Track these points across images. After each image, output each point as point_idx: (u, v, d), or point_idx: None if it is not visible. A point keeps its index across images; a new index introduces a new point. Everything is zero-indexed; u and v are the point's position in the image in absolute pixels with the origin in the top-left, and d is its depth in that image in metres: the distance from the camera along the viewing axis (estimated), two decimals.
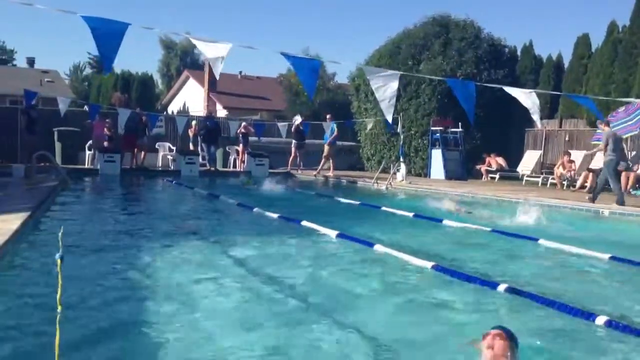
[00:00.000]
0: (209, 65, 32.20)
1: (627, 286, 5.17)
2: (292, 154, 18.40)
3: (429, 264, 5.20)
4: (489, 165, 17.57)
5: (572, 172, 14.93)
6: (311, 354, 3.19)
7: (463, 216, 9.34)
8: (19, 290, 4.16)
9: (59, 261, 4.34)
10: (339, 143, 18.92)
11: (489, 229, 7.54)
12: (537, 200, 11.33)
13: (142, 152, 16.84)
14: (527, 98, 9.42)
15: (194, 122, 19.19)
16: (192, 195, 12.13)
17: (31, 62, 39.42)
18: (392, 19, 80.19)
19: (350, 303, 4.14)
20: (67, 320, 3.30)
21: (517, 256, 6.31)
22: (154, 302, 4.00)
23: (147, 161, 17.23)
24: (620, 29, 18.20)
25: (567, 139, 18.43)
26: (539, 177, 16.09)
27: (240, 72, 38.15)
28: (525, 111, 9.68)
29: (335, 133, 17.59)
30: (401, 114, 17.36)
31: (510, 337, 2.91)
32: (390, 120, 10.42)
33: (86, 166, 16.70)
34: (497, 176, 17.10)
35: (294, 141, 18.36)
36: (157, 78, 49.66)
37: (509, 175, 17.14)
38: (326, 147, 17.73)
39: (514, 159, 17.95)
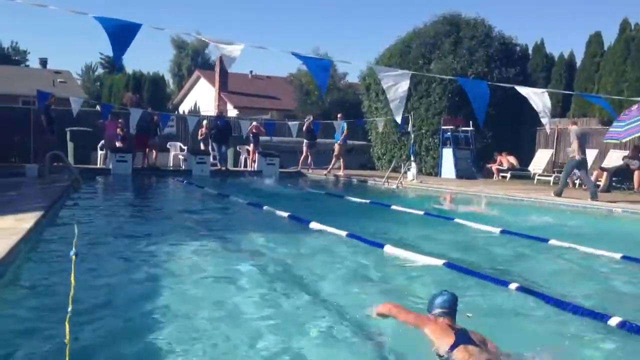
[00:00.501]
0: (220, 65, 32.40)
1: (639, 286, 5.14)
2: (304, 154, 18.42)
3: (439, 262, 5.20)
4: (500, 164, 17.49)
5: None
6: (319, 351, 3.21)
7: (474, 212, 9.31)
8: (33, 287, 4.21)
9: (73, 257, 4.40)
10: (349, 142, 18.92)
11: (499, 228, 7.51)
12: (548, 199, 11.29)
13: (154, 152, 16.93)
14: (538, 99, 9.39)
15: (204, 122, 19.26)
16: (203, 194, 12.19)
17: (44, 62, 39.74)
18: (402, 18, 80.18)
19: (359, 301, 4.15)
20: (81, 319, 3.35)
21: (527, 256, 6.27)
22: (168, 296, 4.03)
23: (159, 161, 17.32)
24: (633, 27, 18.07)
25: None
26: (550, 176, 15.99)
27: (251, 72, 38.26)
28: (536, 110, 9.65)
29: (345, 132, 17.59)
30: (412, 112, 17.34)
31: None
32: (399, 120, 10.45)
33: (98, 166, 16.82)
34: (508, 175, 17.02)
35: (305, 140, 18.39)
36: (169, 78, 49.98)
37: (520, 174, 17.05)
38: (337, 146, 17.74)
39: (526, 158, 17.85)
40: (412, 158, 16.27)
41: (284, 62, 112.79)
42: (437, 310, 3.11)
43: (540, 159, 17.45)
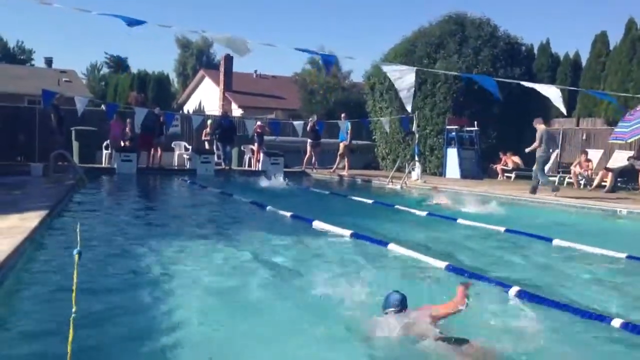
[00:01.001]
0: (225, 64, 32.47)
1: None
2: (307, 153, 18.42)
3: (442, 264, 5.19)
4: (505, 164, 17.45)
5: (590, 171, 14.78)
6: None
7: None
8: (37, 286, 4.23)
9: (76, 256, 4.41)
10: (353, 142, 18.91)
11: (502, 228, 7.50)
12: (553, 199, 11.27)
13: (159, 151, 16.94)
14: (546, 90, 9.40)
15: (209, 121, 19.29)
16: (206, 194, 12.22)
17: (49, 62, 39.86)
18: (407, 18, 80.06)
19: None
20: (85, 321, 3.36)
21: (529, 256, 6.26)
22: (171, 296, 4.04)
23: (163, 160, 17.35)
24: (639, 27, 18.00)
25: (584, 137, 18.23)
26: (555, 176, 15.95)
27: (256, 71, 38.29)
28: (541, 109, 9.65)
29: (350, 132, 17.57)
30: (416, 112, 17.31)
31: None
32: (409, 109, 10.63)
33: (103, 165, 16.86)
34: (513, 175, 16.97)
35: (309, 140, 18.39)
36: (173, 77, 50.10)
37: (525, 174, 16.98)
38: (341, 146, 17.73)
39: (530, 158, 17.77)
40: (416, 158, 16.25)
41: (289, 62, 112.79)
42: (390, 309, 3.39)
43: None
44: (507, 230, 7.42)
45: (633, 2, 47.10)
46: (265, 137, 18.78)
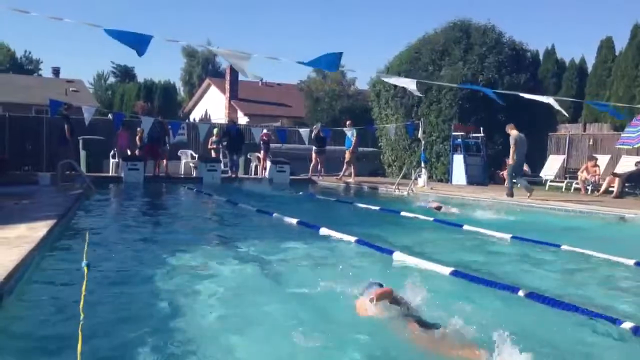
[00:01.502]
0: (230, 73, 32.58)
1: None
2: (313, 161, 18.47)
3: (447, 270, 5.18)
4: None
5: (597, 177, 14.72)
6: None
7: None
8: (44, 297, 4.25)
9: (85, 269, 4.43)
10: (359, 149, 18.93)
11: (509, 235, 7.47)
12: (560, 205, 11.23)
13: (164, 160, 16.99)
14: (546, 99, 9.49)
15: (215, 130, 19.36)
16: (211, 202, 12.26)
17: (56, 71, 40.16)
18: (412, 24, 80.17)
19: None
20: (94, 329, 3.38)
21: (538, 262, 6.24)
22: (178, 305, 4.05)
23: (170, 169, 17.41)
24: None
25: (590, 143, 18.18)
26: (562, 182, 15.90)
27: (261, 79, 38.36)
28: (547, 116, 9.67)
29: (355, 139, 17.59)
30: (422, 119, 17.32)
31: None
32: (418, 92, 11.11)
33: (110, 174, 16.94)
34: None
35: (313, 147, 18.45)
36: (180, 86, 50.34)
37: (532, 180, 16.93)
38: (347, 153, 17.76)
39: (537, 164, 17.75)
40: (422, 165, 16.25)
41: (294, 69, 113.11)
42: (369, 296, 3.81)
43: (552, 165, 17.34)
44: (513, 237, 7.40)
45: (639, 7, 47.06)
46: (272, 145, 18.83)
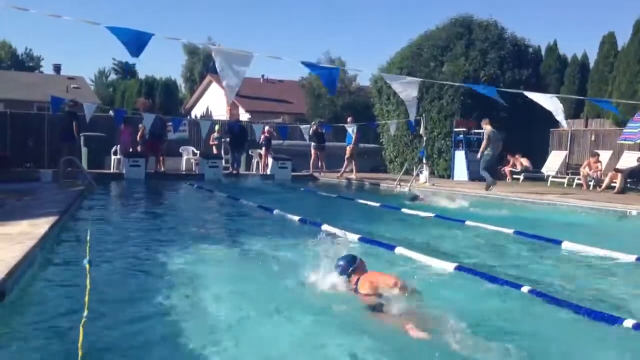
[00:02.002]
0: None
1: None
2: (312, 157, 18.48)
3: (451, 265, 5.18)
4: (513, 166, 17.36)
5: (599, 173, 14.68)
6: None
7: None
8: (46, 293, 4.25)
9: (87, 266, 4.44)
10: (360, 145, 18.91)
11: (511, 230, 7.46)
12: (562, 201, 11.21)
13: (162, 157, 16.92)
14: (549, 102, 9.40)
15: (216, 127, 19.35)
16: (212, 198, 12.25)
17: (57, 68, 40.16)
18: (413, 20, 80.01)
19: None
20: (96, 325, 3.38)
21: (539, 258, 6.23)
22: (180, 303, 4.05)
23: (171, 165, 17.39)
24: None
25: (593, 138, 18.12)
26: (564, 177, 15.87)
27: (263, 76, 38.37)
28: (549, 111, 9.62)
29: (356, 135, 17.56)
30: (423, 115, 17.29)
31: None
32: (413, 118, 10.87)
33: (112, 171, 16.95)
34: (521, 177, 16.89)
35: (312, 143, 18.46)
36: (181, 83, 50.26)
37: (534, 176, 16.92)
38: (348, 149, 17.74)
39: (539, 160, 17.71)
40: (424, 161, 16.22)
41: (296, 66, 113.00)
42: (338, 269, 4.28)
43: (554, 161, 17.30)
44: (516, 232, 7.39)
45: None
46: (273, 142, 18.82)
